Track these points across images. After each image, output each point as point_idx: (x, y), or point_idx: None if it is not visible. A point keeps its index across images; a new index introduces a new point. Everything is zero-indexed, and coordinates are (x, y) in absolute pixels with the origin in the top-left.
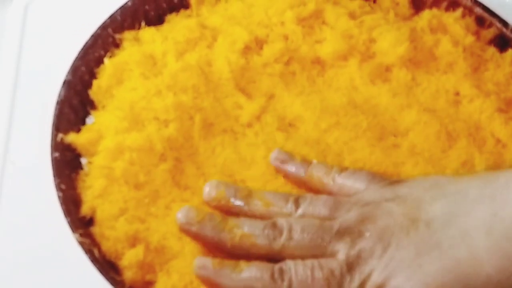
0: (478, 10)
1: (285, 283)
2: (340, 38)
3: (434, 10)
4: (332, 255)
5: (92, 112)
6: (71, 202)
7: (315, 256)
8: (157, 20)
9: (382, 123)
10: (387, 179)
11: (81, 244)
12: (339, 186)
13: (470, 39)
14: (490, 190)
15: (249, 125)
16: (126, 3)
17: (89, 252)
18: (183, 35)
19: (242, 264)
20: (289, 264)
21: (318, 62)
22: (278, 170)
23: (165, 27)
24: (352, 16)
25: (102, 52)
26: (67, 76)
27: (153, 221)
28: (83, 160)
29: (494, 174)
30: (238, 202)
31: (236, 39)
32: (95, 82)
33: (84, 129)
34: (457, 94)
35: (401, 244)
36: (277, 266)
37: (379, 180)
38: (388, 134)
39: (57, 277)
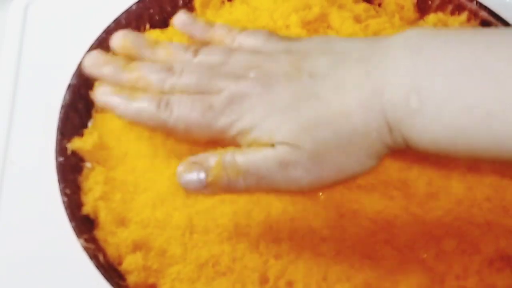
0: (483, 13)
1: (167, 113)
2: None
3: (439, 14)
4: (217, 93)
5: (96, 114)
6: (75, 207)
7: (201, 93)
8: (162, 23)
9: None
10: (286, 37)
11: (86, 249)
12: (238, 44)
13: None
14: (369, 52)
15: None
16: (131, 6)
17: (94, 257)
18: (188, 38)
19: (138, 93)
20: (175, 97)
21: None
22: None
23: (170, 30)
24: (357, 20)
25: None
26: (72, 80)
27: (156, 226)
28: (86, 164)
29: (378, 38)
30: (144, 51)
31: None
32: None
33: (86, 133)
34: None
35: (282, 89)
36: (165, 97)
37: (277, 37)
38: None
39: (60, 282)
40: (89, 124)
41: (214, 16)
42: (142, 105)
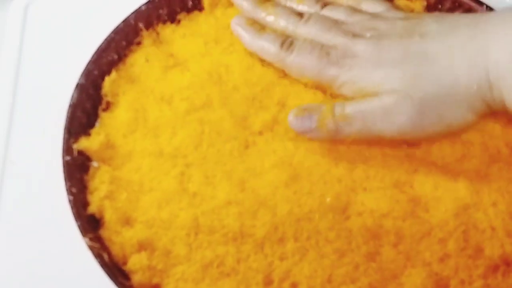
0: None
1: (288, 52)
2: None
3: None
4: (334, 45)
5: (102, 113)
6: (81, 206)
7: (320, 43)
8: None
9: None
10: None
11: (91, 248)
12: (361, 8)
13: None
14: (475, 22)
15: (260, 133)
16: (140, 7)
17: (98, 256)
18: None
19: (267, 29)
20: (298, 40)
21: None
22: None
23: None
24: None
25: (115, 56)
26: (80, 79)
27: (161, 226)
28: (93, 163)
29: (481, 14)
30: None
31: None
32: (107, 79)
33: (93, 133)
34: None
35: (393, 46)
36: (289, 39)
37: (396, 9)
38: (401, 143)
39: (64, 281)
40: (96, 123)
41: (223, 15)
42: (267, 42)
